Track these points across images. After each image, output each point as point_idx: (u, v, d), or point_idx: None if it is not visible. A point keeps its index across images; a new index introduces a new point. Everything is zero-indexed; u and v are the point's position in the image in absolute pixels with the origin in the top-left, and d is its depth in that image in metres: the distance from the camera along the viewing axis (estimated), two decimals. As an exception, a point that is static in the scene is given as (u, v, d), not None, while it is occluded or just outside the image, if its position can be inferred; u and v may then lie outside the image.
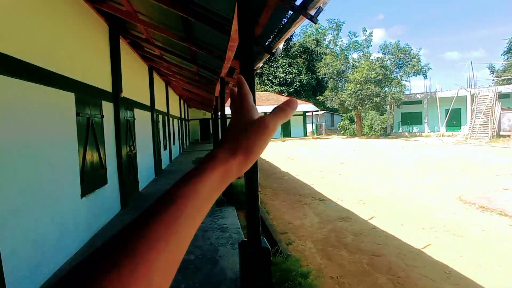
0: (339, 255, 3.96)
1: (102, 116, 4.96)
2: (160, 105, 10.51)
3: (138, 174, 7.13)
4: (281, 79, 38.52)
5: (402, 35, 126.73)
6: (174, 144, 14.60)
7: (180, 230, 0.28)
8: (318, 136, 32.94)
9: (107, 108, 5.25)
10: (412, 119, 32.92)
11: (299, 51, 41.66)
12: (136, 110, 7.22)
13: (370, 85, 27.49)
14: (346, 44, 36.40)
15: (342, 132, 33.99)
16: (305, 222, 5.29)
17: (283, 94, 37.30)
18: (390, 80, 29.52)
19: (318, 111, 34.31)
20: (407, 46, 32.15)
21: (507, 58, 36.89)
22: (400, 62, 32.67)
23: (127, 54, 6.76)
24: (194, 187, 0.31)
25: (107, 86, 5.36)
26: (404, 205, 6.07)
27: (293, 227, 5.12)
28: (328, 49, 40.74)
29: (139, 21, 4.90)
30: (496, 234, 4.50)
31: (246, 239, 2.75)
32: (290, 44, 41.19)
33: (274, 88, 38.79)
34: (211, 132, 27.73)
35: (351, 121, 35.13)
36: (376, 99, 27.70)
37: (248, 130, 0.37)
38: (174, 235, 0.27)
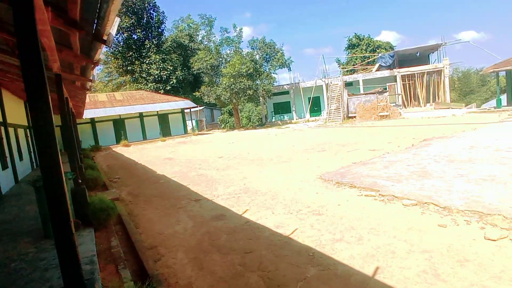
0: (211, 261, 3.67)
1: None
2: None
3: None
4: (156, 76, 36.31)
5: (267, 32, 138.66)
6: (21, 160, 11.65)
7: None
8: (199, 132, 32.66)
9: None
10: (283, 108, 36.35)
11: (172, 46, 40.07)
12: None
13: (243, 78, 28.74)
14: (219, 40, 37.06)
15: (222, 126, 34.67)
16: (178, 229, 4.83)
17: (159, 91, 35.30)
18: (260, 74, 31.62)
19: (197, 107, 33.96)
20: (272, 42, 34.99)
21: (348, 53, 44.79)
22: (267, 56, 35.33)
23: None
24: None
25: None
26: (275, 192, 6.32)
27: (164, 237, 4.58)
28: (202, 45, 40.65)
29: None
30: (347, 205, 5.06)
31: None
32: (162, 39, 39.21)
33: (150, 85, 36.27)
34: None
35: (230, 114, 36.20)
36: (249, 91, 29.22)
37: None
38: None
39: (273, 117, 36.74)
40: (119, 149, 22.36)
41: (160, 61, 36.26)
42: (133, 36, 37.19)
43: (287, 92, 35.34)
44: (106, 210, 5.09)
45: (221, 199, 6.22)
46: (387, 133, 14.67)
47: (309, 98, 33.84)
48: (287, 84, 35.49)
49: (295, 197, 5.83)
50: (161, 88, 36.41)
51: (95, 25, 3.00)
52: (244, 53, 33.87)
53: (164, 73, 36.30)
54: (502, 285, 2.69)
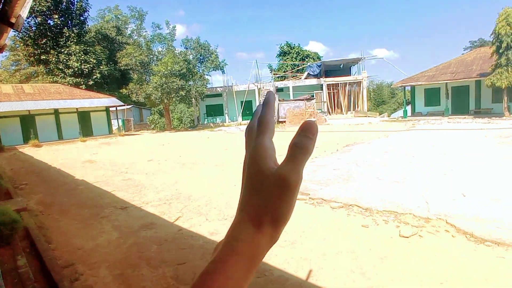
0: (139, 276, 3.37)
1: None
2: None
3: None
4: (76, 69, 32.64)
5: (201, 32, 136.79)
6: None
7: None
8: (126, 133, 30.41)
9: None
10: (215, 111, 36.16)
11: (97, 38, 36.59)
12: None
13: (175, 78, 27.72)
14: (151, 36, 35.13)
15: (152, 127, 32.87)
16: (101, 242, 4.34)
17: (80, 86, 31.86)
18: (193, 74, 30.94)
19: (124, 105, 31.63)
20: (206, 42, 34.56)
21: (280, 60, 46.77)
22: (201, 57, 34.77)
23: None
24: None
25: None
26: (209, 197, 6.16)
27: (83, 253, 4.07)
28: (131, 39, 38.04)
29: None
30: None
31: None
32: (84, 28, 35.49)
33: (68, 79, 32.41)
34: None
35: (161, 114, 34.58)
36: (182, 92, 28.30)
37: (269, 190, 0.30)
38: None
39: (206, 119, 36.30)
40: (28, 150, 19.44)
41: (82, 53, 32.74)
42: (49, 21, 32.92)
43: (220, 95, 35.28)
44: (9, 223, 4.32)
45: (151, 206, 5.82)
46: (314, 138, 15.62)
47: (241, 102, 34.32)
48: (221, 87, 35.46)
49: (229, 201, 5.76)
50: (82, 83, 32.90)
51: (1, 4, 2.50)
52: (177, 52, 32.74)
53: (86, 67, 32.87)
54: (415, 277, 3.01)
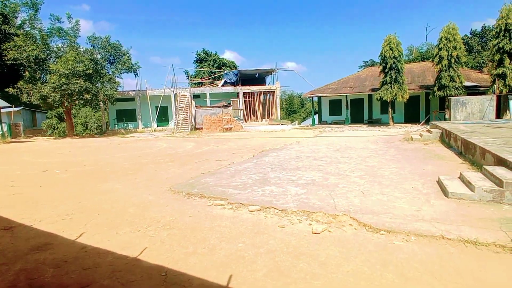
0: (29, 307, 2.81)
1: None
2: None
3: None
4: None
5: (111, 32, 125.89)
6: None
7: None
8: (12, 140, 25.76)
9: None
10: (127, 116, 33.62)
11: (-27, 25, 30.24)
12: None
13: (78, 79, 24.74)
14: (48, 29, 30.69)
15: (49, 133, 28.62)
16: (-26, 272, 3.49)
17: None
18: (102, 76, 28.17)
19: (11, 107, 26.84)
20: (117, 42, 31.96)
21: (196, 66, 46.29)
22: (111, 58, 31.97)
23: None
24: None
25: None
26: (120, 209, 5.61)
27: None
28: (23, 30, 32.51)
29: None
30: (199, 216, 5.04)
31: None
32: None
33: None
34: None
35: (61, 119, 30.43)
36: (87, 95, 25.41)
37: None
38: None
39: (116, 125, 33.43)
40: None
41: (-50, 42, 26.66)
42: None
43: (133, 99, 33.01)
44: None
45: (46, 223, 4.98)
46: (231, 144, 15.85)
47: (156, 107, 32.74)
48: (133, 91, 33.20)
49: (143, 212, 5.34)
50: (-51, 77, 26.75)
51: None
52: (82, 49, 29.35)
53: (-44, 58, 26.84)
54: (326, 270, 3.25)
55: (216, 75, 41.97)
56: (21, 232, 4.69)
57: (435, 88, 21.66)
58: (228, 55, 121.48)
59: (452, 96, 20.18)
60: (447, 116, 20.62)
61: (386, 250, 3.63)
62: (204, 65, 45.36)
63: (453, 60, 20.57)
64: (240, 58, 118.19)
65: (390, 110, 23.77)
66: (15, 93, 26.17)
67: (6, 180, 8.66)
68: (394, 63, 22.14)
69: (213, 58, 46.50)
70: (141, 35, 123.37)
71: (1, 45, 27.52)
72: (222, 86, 35.41)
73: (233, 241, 4.03)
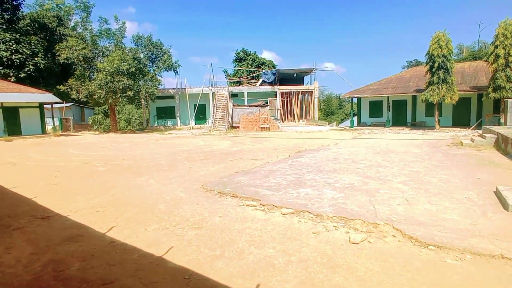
0: (52, 301, 2.75)
1: None
2: None
3: None
4: (5, 59, 28.94)
5: (153, 32, 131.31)
6: None
7: None
8: (63, 133, 27.67)
9: None
10: (166, 113, 34.69)
11: (33, 27, 32.94)
12: None
13: (122, 77, 25.92)
14: (98, 30, 32.66)
15: (95, 128, 30.38)
16: (6, 260, 3.55)
17: (9, 78, 28.33)
18: (144, 74, 29.31)
19: (63, 103, 28.85)
20: (159, 41, 33.08)
21: (235, 65, 46.72)
22: (153, 56, 33.20)
23: None
24: None
25: None
26: (151, 204, 5.58)
27: (-18, 274, 3.28)
28: (75, 32, 34.96)
29: None
30: (229, 217, 4.83)
31: None
32: (18, 14, 31.75)
33: (-7, 69, 28.64)
34: None
35: (106, 115, 32.17)
36: (129, 92, 26.55)
37: None
38: None
39: (156, 122, 34.65)
40: None
41: (13, 42, 29.18)
42: (-27, 4, 28.94)
43: (172, 97, 33.99)
44: None
45: (80, 215, 5.07)
46: (267, 143, 15.59)
47: (195, 105, 33.42)
48: (173, 89, 34.19)
49: (173, 209, 5.25)
50: (11, 74, 29.29)
51: None
52: (126, 49, 30.80)
53: (17, 57, 29.34)
54: (365, 287, 2.85)
55: (254, 74, 42.00)
56: (57, 222, 4.79)
57: (489, 89, 19.70)
58: (265, 55, 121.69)
59: (509, 98, 18.23)
60: (502, 120, 18.67)
61: (437, 270, 3.15)
62: (243, 65, 45.60)
63: (510, 59, 18.57)
64: (277, 59, 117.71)
65: (436, 112, 22.09)
66: (66, 90, 28.11)
67: (51, 171, 9.15)
68: (442, 61, 20.48)
69: (252, 57, 46.59)
70: (182, 35, 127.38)
71: (55, 46, 29.75)
72: (260, 85, 35.28)
73: (263, 246, 3.75)
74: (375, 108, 27.87)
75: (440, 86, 20.82)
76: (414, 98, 25.44)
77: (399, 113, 26.69)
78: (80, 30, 35.21)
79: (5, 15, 30.12)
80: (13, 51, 29.22)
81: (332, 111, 55.14)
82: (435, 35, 21.08)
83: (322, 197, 5.67)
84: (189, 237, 4.06)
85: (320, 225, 4.40)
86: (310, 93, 33.76)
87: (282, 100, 33.47)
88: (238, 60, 47.35)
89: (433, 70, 20.99)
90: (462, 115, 24.29)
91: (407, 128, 24.06)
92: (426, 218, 4.52)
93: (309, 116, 33.82)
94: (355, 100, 29.43)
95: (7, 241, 4.08)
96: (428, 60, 21.66)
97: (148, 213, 5.10)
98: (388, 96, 25.55)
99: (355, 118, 28.73)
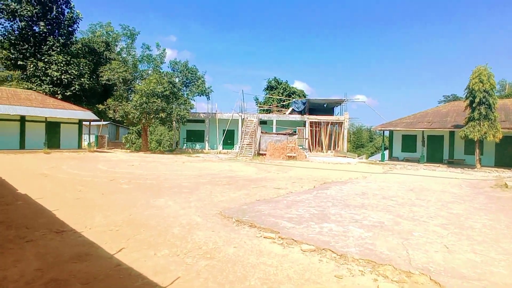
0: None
1: None
2: None
3: None
4: (55, 78, 31.40)
5: (191, 59, 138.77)
6: None
7: None
8: (97, 149, 28.93)
9: None
10: (196, 137, 35.40)
11: (83, 50, 35.84)
12: None
13: (157, 99, 27.05)
14: (140, 56, 34.85)
15: (127, 146, 31.55)
16: (12, 274, 3.44)
17: (56, 96, 30.56)
18: (177, 97, 30.44)
19: (100, 121, 30.48)
20: (194, 67, 34.53)
21: (266, 93, 47.40)
22: (187, 81, 34.57)
23: None
24: None
25: None
26: (165, 227, 5.36)
27: (-16, 287, 3.16)
28: (120, 57, 37.60)
29: None
30: (244, 248, 4.48)
31: None
32: (71, 39, 34.80)
33: (45, 87, 31.04)
34: None
35: (139, 135, 33.47)
36: (162, 114, 27.53)
37: None
38: None
39: (185, 144, 35.39)
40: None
41: (64, 63, 31.73)
42: (34, 28, 32.07)
43: (202, 121, 34.78)
44: None
45: (94, 232, 4.95)
46: (292, 172, 15.16)
47: (224, 130, 33.88)
48: (204, 113, 35.06)
49: (187, 235, 4.99)
50: (59, 92, 31.59)
51: None
52: (163, 73, 32.40)
53: (65, 77, 31.73)
54: None
55: (284, 103, 42.25)
56: (70, 237, 4.69)
57: (538, 129, 18.21)
58: (297, 85, 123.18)
59: None
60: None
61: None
62: (274, 93, 46.17)
63: None
64: (309, 89, 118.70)
65: (477, 150, 20.62)
66: (104, 109, 29.74)
67: (76, 185, 9.33)
68: (484, 97, 19.36)
69: (283, 86, 47.17)
70: (217, 62, 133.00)
71: (100, 68, 31.94)
72: (289, 114, 35.29)
73: (277, 287, 3.35)
74: (408, 142, 26.64)
75: (481, 123, 19.57)
76: (451, 134, 24.08)
77: (435, 149, 25.27)
78: (124, 55, 37.75)
79: (61, 39, 33.04)
80: (63, 71, 31.67)
81: (362, 143, 53.70)
82: (476, 69, 20.17)
83: (347, 234, 5.17)
84: (199, 268, 3.75)
85: (344, 267, 3.92)
86: (340, 124, 33.15)
87: (310, 130, 33.09)
88: (270, 88, 48.08)
89: (474, 105, 19.87)
90: (507, 154, 22.49)
91: (444, 165, 22.60)
92: (469, 270, 3.91)
93: (337, 147, 33.00)
94: (386, 133, 28.40)
95: (17, 253, 4.00)
96: (468, 95, 20.60)
97: (161, 236, 4.88)
98: (423, 131, 24.40)
99: (386, 152, 27.56)
